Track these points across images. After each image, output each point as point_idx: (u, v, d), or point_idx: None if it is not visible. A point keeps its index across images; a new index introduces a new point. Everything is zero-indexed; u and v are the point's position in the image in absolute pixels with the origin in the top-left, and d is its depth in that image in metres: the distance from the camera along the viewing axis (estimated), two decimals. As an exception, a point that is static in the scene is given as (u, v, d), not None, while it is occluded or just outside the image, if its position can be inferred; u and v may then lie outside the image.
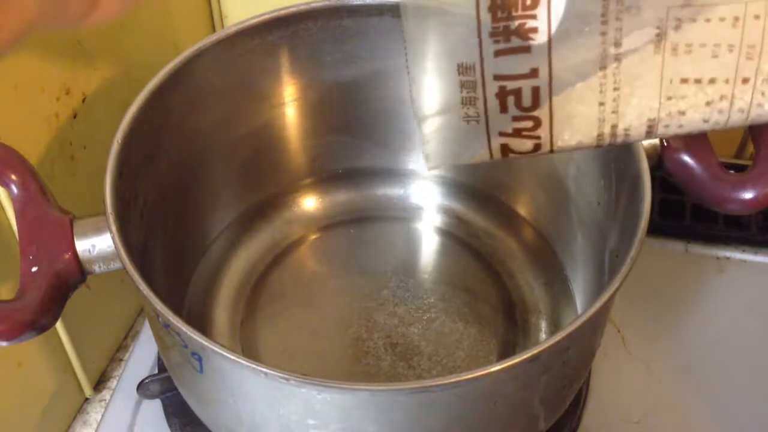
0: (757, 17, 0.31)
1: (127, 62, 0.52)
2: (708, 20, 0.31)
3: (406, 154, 0.58)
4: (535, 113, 0.33)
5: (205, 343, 0.34)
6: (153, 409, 0.50)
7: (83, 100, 0.48)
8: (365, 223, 0.58)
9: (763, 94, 0.33)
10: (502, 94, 0.33)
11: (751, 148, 0.65)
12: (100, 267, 0.40)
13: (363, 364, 0.49)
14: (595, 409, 0.51)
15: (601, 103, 0.33)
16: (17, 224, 0.40)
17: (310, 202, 0.58)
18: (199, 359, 0.37)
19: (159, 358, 0.53)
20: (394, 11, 0.50)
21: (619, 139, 0.34)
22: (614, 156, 0.45)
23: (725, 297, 0.57)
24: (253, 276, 0.54)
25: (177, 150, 0.49)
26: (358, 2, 0.50)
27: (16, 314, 0.37)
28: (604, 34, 0.31)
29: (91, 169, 0.50)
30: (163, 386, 0.49)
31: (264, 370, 0.33)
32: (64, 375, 0.51)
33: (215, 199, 0.55)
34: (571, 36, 0.31)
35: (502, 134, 0.34)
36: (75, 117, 0.48)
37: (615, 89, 0.32)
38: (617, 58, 0.32)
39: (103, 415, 0.51)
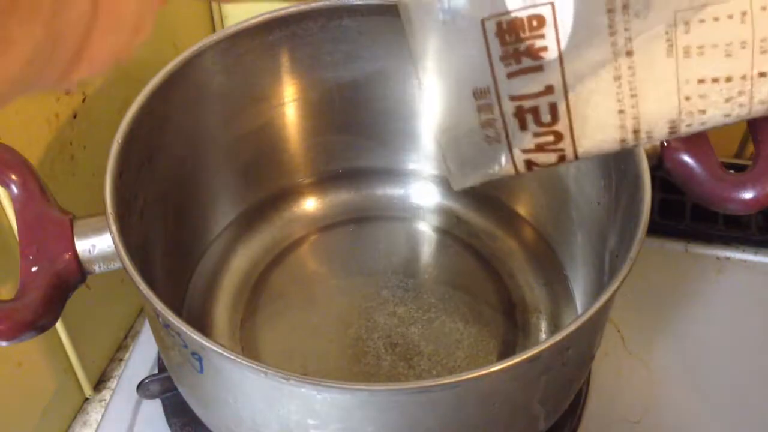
0: (764, 8, 0.31)
1: (127, 62, 0.52)
2: (716, 19, 0.31)
3: (406, 154, 0.58)
4: (556, 127, 0.33)
5: (205, 343, 0.34)
6: (153, 409, 0.50)
7: (83, 100, 0.48)
8: (365, 223, 0.58)
9: None
10: (520, 113, 0.33)
11: (751, 148, 0.65)
12: (100, 267, 0.40)
13: (363, 364, 0.49)
14: (595, 409, 0.51)
15: (621, 111, 0.33)
16: (17, 224, 0.40)
17: (310, 202, 0.58)
18: (199, 359, 0.37)
19: (159, 358, 0.53)
20: (395, 11, 0.49)
21: (643, 142, 0.34)
22: (614, 156, 0.45)
23: (725, 297, 0.57)
24: (253, 276, 0.54)
25: (177, 150, 0.49)
26: (358, 2, 0.50)
27: (16, 314, 0.37)
28: (614, 44, 0.31)
29: (91, 169, 0.50)
30: (163, 386, 0.49)
31: (264, 370, 0.33)
32: (64, 375, 0.51)
33: (215, 199, 0.55)
34: (581, 49, 0.31)
35: (525, 151, 0.34)
36: (75, 117, 0.48)
37: (632, 96, 0.32)
38: (630, 66, 0.32)
39: (103, 415, 0.51)
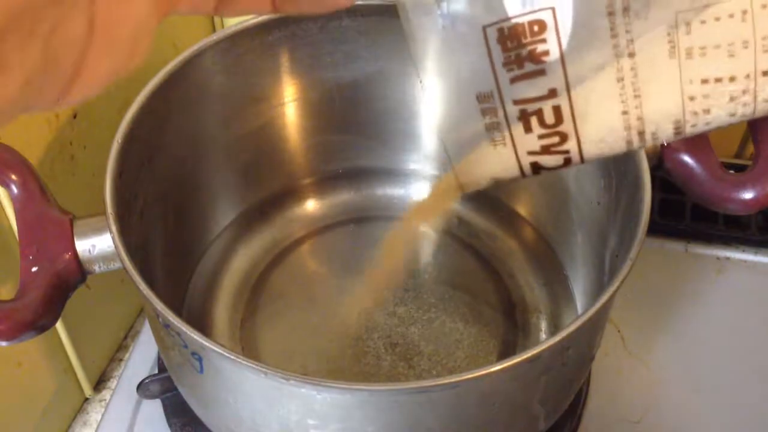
0: (764, 6, 0.31)
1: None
2: (717, 19, 0.31)
3: (406, 154, 0.58)
4: (560, 128, 0.33)
5: (205, 343, 0.34)
6: (153, 409, 0.50)
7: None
8: (365, 223, 0.58)
9: None
10: (524, 117, 0.33)
11: (751, 148, 0.65)
12: (100, 267, 0.40)
13: (363, 364, 0.49)
14: (595, 409, 0.51)
15: (625, 112, 0.33)
16: (17, 224, 0.40)
17: (310, 202, 0.58)
18: (199, 359, 0.37)
19: (159, 358, 0.53)
20: (395, 11, 0.49)
21: (648, 143, 0.34)
22: (614, 156, 0.45)
23: (725, 297, 0.57)
24: (253, 276, 0.54)
25: (177, 150, 0.49)
26: (359, 2, 0.50)
27: (16, 314, 0.37)
28: (616, 46, 0.31)
29: (91, 169, 0.50)
30: (163, 386, 0.49)
31: (264, 370, 0.33)
32: (64, 375, 0.51)
33: (215, 199, 0.55)
34: (583, 52, 0.31)
35: (531, 153, 0.35)
36: (75, 117, 0.48)
37: (636, 97, 0.32)
38: (633, 68, 0.32)
39: (103, 415, 0.51)
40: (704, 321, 0.55)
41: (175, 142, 0.49)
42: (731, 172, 0.43)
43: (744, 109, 0.33)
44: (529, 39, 0.31)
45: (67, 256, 0.39)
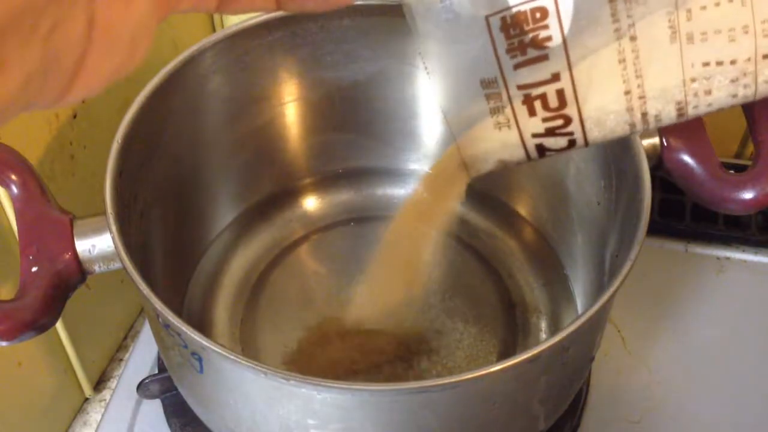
0: None
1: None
2: (717, 4, 0.31)
3: (406, 153, 0.58)
4: (564, 111, 0.34)
5: (205, 343, 0.34)
6: (153, 409, 0.50)
7: (83, 100, 0.48)
8: (365, 223, 0.58)
9: None
10: (528, 101, 0.34)
11: (751, 148, 0.65)
12: (100, 267, 0.40)
13: (363, 364, 0.49)
14: (595, 409, 0.51)
15: (627, 92, 0.33)
16: (17, 224, 0.40)
17: (310, 202, 0.58)
18: (199, 359, 0.37)
19: (159, 358, 0.53)
20: (395, 11, 0.50)
21: (652, 125, 0.34)
22: (614, 156, 0.45)
23: (725, 297, 0.57)
24: (253, 276, 0.54)
25: (177, 150, 0.49)
26: (359, 2, 0.50)
27: (17, 314, 0.37)
28: (617, 30, 0.32)
29: (91, 169, 0.50)
30: (163, 386, 0.49)
31: (264, 370, 0.33)
32: (64, 375, 0.51)
33: (215, 199, 0.55)
34: (584, 36, 0.32)
35: (535, 135, 0.35)
36: (75, 117, 0.48)
37: (638, 77, 0.33)
38: (634, 50, 0.32)
39: (103, 415, 0.51)
40: (704, 321, 0.55)
41: (175, 142, 0.49)
42: (731, 172, 0.43)
43: (745, 91, 0.33)
44: (531, 26, 0.32)
45: (67, 256, 0.39)
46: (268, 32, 0.50)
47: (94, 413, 0.53)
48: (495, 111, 0.35)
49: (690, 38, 0.32)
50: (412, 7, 0.33)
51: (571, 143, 0.35)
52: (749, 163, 0.42)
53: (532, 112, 0.34)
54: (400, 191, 0.59)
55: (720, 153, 0.43)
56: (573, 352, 0.39)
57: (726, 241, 0.60)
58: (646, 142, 0.43)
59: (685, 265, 0.59)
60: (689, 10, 0.31)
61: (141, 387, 0.49)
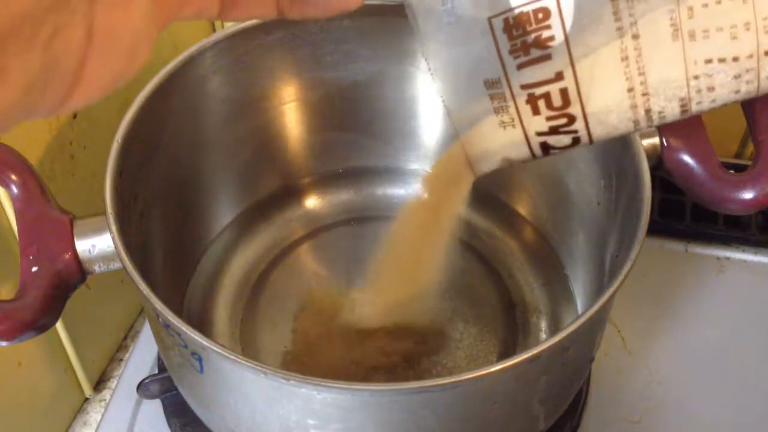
0: None
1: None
2: (719, 2, 0.31)
3: (406, 153, 0.58)
4: (568, 110, 0.34)
5: (205, 343, 0.34)
6: (153, 409, 0.50)
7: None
8: (366, 223, 0.58)
9: None
10: (532, 100, 0.34)
11: (751, 148, 0.65)
12: (100, 267, 0.40)
13: (363, 363, 0.49)
14: (595, 409, 0.51)
15: (630, 89, 0.33)
16: (17, 224, 0.40)
17: (310, 202, 0.58)
18: (199, 359, 0.37)
19: (159, 358, 0.53)
20: (395, 11, 0.50)
21: (656, 122, 0.34)
22: (614, 156, 0.45)
23: (725, 297, 0.57)
24: (253, 276, 0.54)
25: (177, 150, 0.49)
26: (359, 2, 0.50)
27: (17, 314, 0.37)
28: (619, 28, 0.32)
29: (91, 169, 0.50)
30: (163, 386, 0.49)
31: (264, 370, 0.33)
32: (64, 375, 0.51)
33: (215, 199, 0.55)
34: (587, 35, 0.32)
35: (539, 134, 0.35)
36: (75, 117, 0.48)
37: (641, 74, 0.33)
38: (637, 48, 0.32)
39: (103, 415, 0.51)
40: (704, 321, 0.55)
41: (175, 142, 0.49)
42: (731, 172, 0.43)
43: (748, 87, 0.33)
44: (534, 26, 0.32)
45: (67, 256, 0.39)
46: (268, 33, 0.50)
47: (94, 413, 0.53)
48: (499, 110, 0.35)
49: (692, 36, 0.32)
50: (414, 9, 0.33)
51: (576, 141, 0.35)
52: (749, 163, 0.42)
53: (536, 111, 0.34)
54: (400, 191, 0.59)
55: (720, 153, 0.43)
56: (573, 352, 0.39)
57: (726, 241, 0.60)
58: (646, 142, 0.43)
59: (685, 265, 0.59)
60: (691, 8, 0.32)
61: (141, 387, 0.49)
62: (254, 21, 0.48)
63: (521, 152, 0.36)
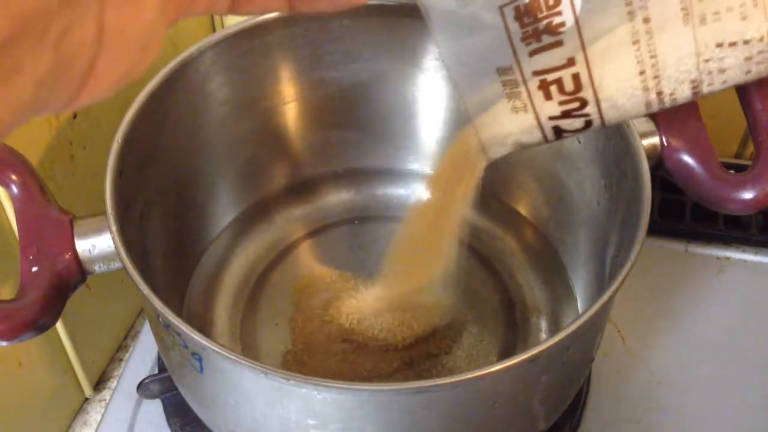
0: None
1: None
2: None
3: (406, 153, 0.58)
4: (580, 95, 0.34)
5: (205, 343, 0.34)
6: (153, 409, 0.50)
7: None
8: (366, 223, 0.58)
9: None
10: (544, 86, 0.34)
11: (751, 148, 0.65)
12: (100, 267, 0.40)
13: (363, 363, 0.49)
14: (595, 409, 0.51)
15: (642, 72, 0.34)
16: (17, 224, 0.40)
17: (309, 202, 0.58)
18: (199, 359, 0.37)
19: (159, 358, 0.53)
20: (395, 11, 0.50)
21: (667, 104, 0.35)
22: (614, 156, 0.45)
23: (725, 297, 0.57)
24: (253, 276, 0.54)
25: (177, 150, 0.49)
26: (359, 2, 0.50)
27: (17, 314, 0.37)
28: (630, 13, 0.32)
29: (91, 169, 0.50)
30: (163, 386, 0.49)
31: (264, 370, 0.33)
32: (64, 375, 0.51)
33: (215, 199, 0.55)
34: (598, 21, 0.32)
35: (551, 118, 0.36)
36: (75, 117, 0.48)
37: (652, 57, 0.33)
38: (648, 32, 0.33)
39: (103, 415, 0.51)
40: (704, 321, 0.55)
41: (175, 142, 0.49)
42: (731, 172, 0.43)
43: (758, 68, 0.34)
44: (545, 13, 0.32)
45: (67, 256, 0.39)
46: (268, 32, 0.50)
47: (94, 413, 0.53)
48: (511, 96, 0.35)
49: (703, 19, 0.32)
50: (426, 3, 0.33)
51: (588, 124, 0.36)
52: (749, 163, 0.42)
53: (548, 97, 0.35)
54: (400, 191, 0.59)
55: (720, 153, 0.43)
56: (573, 352, 0.39)
57: (726, 241, 0.60)
58: (646, 142, 0.43)
59: (685, 265, 0.59)
60: None
61: (141, 387, 0.49)
62: (254, 21, 0.49)
63: (533, 136, 0.37)
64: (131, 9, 0.21)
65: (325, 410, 0.36)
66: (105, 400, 0.53)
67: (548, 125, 0.36)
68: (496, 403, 0.38)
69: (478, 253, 0.55)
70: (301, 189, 0.58)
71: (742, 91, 0.41)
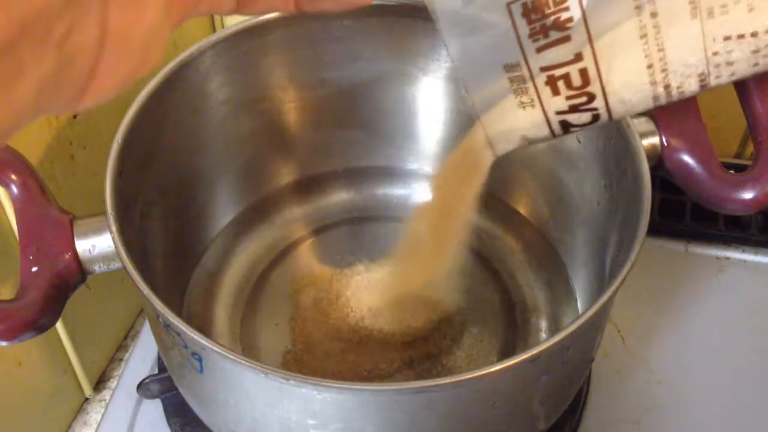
0: None
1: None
2: None
3: (406, 153, 0.58)
4: (588, 89, 0.35)
5: (205, 343, 0.34)
6: (153, 409, 0.50)
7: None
8: (366, 223, 0.58)
9: None
10: (551, 81, 0.35)
11: (751, 148, 0.65)
12: (100, 267, 0.40)
13: (363, 363, 0.49)
14: (595, 409, 0.51)
15: (649, 66, 0.34)
16: (17, 224, 0.40)
17: (310, 202, 0.58)
18: (199, 359, 0.37)
19: (159, 358, 0.53)
20: (395, 11, 0.50)
21: (675, 97, 0.35)
22: (614, 156, 0.45)
23: (725, 297, 0.57)
24: (253, 276, 0.54)
25: (177, 150, 0.49)
26: (359, 2, 0.50)
27: (17, 314, 0.37)
28: (638, 7, 0.32)
29: (91, 169, 0.50)
30: (163, 386, 0.49)
31: (264, 370, 0.33)
32: (64, 375, 0.51)
33: (215, 199, 0.55)
34: (605, 16, 0.32)
35: (559, 113, 0.36)
36: (75, 117, 0.48)
37: (660, 50, 0.33)
38: (656, 26, 0.33)
39: (103, 415, 0.51)
40: (704, 321, 0.55)
41: (175, 142, 0.49)
42: (731, 172, 0.43)
43: (766, 60, 0.34)
44: (552, 9, 0.32)
45: (67, 256, 0.39)
46: (268, 32, 0.50)
47: (94, 413, 0.53)
48: (518, 92, 0.35)
49: (710, 13, 0.32)
50: (434, 4, 0.33)
51: (595, 118, 0.36)
52: (749, 163, 0.42)
53: (555, 92, 0.35)
54: (400, 191, 0.59)
55: (720, 153, 0.43)
56: (573, 352, 0.39)
57: (726, 241, 0.60)
58: (646, 142, 0.43)
59: (685, 265, 0.59)
60: None
61: (141, 387, 0.49)
62: (254, 20, 0.48)
63: (541, 131, 0.37)
64: (134, 10, 0.21)
65: (325, 410, 0.36)
66: (105, 400, 0.53)
67: (556, 120, 0.36)
68: (496, 403, 0.38)
69: (478, 253, 0.55)
70: (301, 189, 0.58)
71: (742, 90, 0.41)
